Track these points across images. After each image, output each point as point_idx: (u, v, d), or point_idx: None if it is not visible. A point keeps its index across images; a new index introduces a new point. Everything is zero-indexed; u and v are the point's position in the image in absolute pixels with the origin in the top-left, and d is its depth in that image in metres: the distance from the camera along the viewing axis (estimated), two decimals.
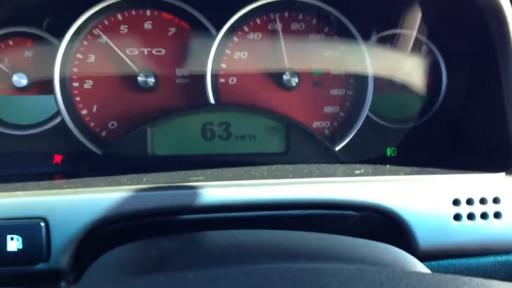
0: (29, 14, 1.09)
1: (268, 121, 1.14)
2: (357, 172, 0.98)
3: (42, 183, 0.93)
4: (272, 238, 0.73)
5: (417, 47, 1.18)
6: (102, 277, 0.67)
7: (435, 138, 1.16)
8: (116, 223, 0.83)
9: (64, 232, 0.82)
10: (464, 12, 1.00)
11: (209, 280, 0.43)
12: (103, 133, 1.14)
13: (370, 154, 1.17)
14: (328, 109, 1.18)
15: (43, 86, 1.11)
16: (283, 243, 0.72)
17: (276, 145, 1.14)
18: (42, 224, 0.81)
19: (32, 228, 0.81)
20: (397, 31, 1.16)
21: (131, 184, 0.88)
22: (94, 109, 1.13)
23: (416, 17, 1.15)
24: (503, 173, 0.92)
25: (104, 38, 1.12)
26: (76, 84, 1.12)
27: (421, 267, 0.70)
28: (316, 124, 1.18)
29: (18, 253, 0.81)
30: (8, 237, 0.80)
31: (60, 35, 1.10)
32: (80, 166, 1.10)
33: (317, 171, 1.00)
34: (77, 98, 1.13)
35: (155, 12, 1.14)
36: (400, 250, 0.74)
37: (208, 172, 0.99)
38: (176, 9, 1.13)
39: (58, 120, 1.11)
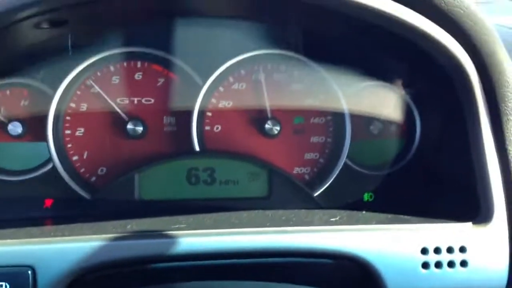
0: (26, 66, 1.16)
1: (251, 167, 1.20)
2: (333, 220, 1.02)
3: (32, 229, 0.97)
4: None
5: (392, 96, 1.24)
6: None
7: (410, 184, 1.21)
8: (99, 271, 0.88)
9: (50, 280, 0.86)
10: (433, 71, 1.06)
11: None
12: (93, 179, 1.19)
13: (347, 199, 1.22)
14: (308, 156, 1.24)
15: (37, 133, 1.16)
16: None
17: (259, 190, 1.20)
18: (29, 272, 0.85)
19: (19, 276, 0.85)
20: (373, 82, 1.23)
21: (116, 231, 0.93)
22: (85, 156, 1.19)
23: (391, 70, 1.21)
24: (470, 223, 0.97)
25: (97, 88, 1.18)
26: (68, 132, 1.18)
27: None
28: (296, 170, 1.24)
29: None
30: None
31: (55, 86, 1.16)
32: (70, 211, 1.15)
33: (294, 219, 1.04)
34: (69, 145, 1.18)
35: (146, 64, 1.21)
36: None
37: (191, 218, 1.04)
38: (165, 61, 1.20)
39: (49, 166, 1.16)
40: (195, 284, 0.83)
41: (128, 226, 0.98)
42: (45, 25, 0.97)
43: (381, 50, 1.16)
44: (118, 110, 1.18)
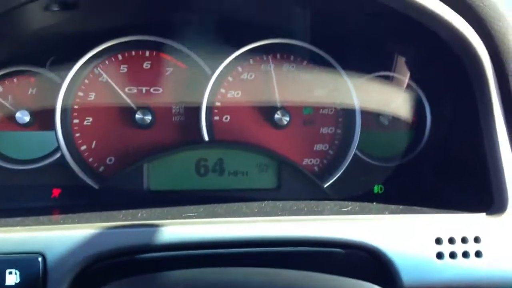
0: (33, 53, 1.15)
1: (260, 158, 1.19)
2: (344, 210, 1.01)
3: (41, 218, 0.96)
4: (262, 276, 0.77)
5: (402, 87, 1.23)
6: None
7: (421, 176, 1.20)
8: (111, 258, 0.86)
9: (60, 267, 0.84)
10: (444, 57, 1.05)
11: None
12: (101, 168, 1.18)
13: (357, 191, 1.21)
14: (318, 147, 1.23)
15: (45, 122, 1.15)
16: (272, 281, 0.76)
17: (268, 181, 1.19)
18: (40, 259, 0.84)
19: (30, 263, 0.84)
20: (383, 73, 1.22)
21: (126, 219, 0.92)
22: (93, 145, 1.18)
23: (401, 60, 1.21)
24: (484, 213, 0.96)
25: (105, 77, 1.17)
26: (76, 121, 1.17)
27: None
28: (306, 161, 1.23)
29: (15, 287, 0.84)
30: (7, 271, 0.84)
31: (62, 74, 1.15)
32: (78, 200, 1.14)
33: (305, 209, 1.03)
34: (77, 134, 1.17)
35: (154, 53, 1.20)
36: None
37: (201, 208, 1.03)
38: (173, 50, 1.19)
39: (57, 155, 1.15)
40: (204, 271, 0.81)
41: (139, 215, 0.97)
42: (55, 7, 0.96)
43: (393, 39, 1.15)
44: (127, 99, 1.17)
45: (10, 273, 0.84)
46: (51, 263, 0.84)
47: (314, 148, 1.23)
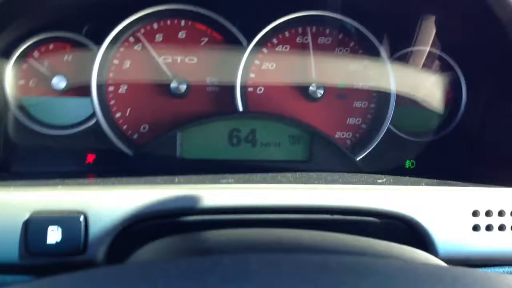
0: (69, 20, 1.15)
1: (293, 130, 1.19)
2: (379, 181, 1.01)
3: (80, 180, 0.98)
4: (310, 237, 0.77)
5: (438, 63, 1.22)
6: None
7: (453, 152, 1.20)
8: (151, 220, 0.88)
9: (101, 227, 0.86)
10: (486, 28, 1.03)
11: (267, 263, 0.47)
12: (135, 136, 1.19)
13: (389, 165, 1.20)
14: (350, 121, 1.23)
15: (80, 89, 1.16)
16: (321, 241, 0.76)
17: (300, 153, 1.19)
18: (81, 218, 0.85)
19: (71, 221, 0.85)
20: (419, 48, 1.21)
21: (165, 183, 0.93)
22: (127, 113, 1.18)
23: (437, 34, 1.19)
24: None
25: (140, 45, 1.18)
26: (111, 88, 1.18)
27: None
28: (338, 134, 1.23)
29: (56, 245, 0.85)
30: (49, 229, 0.85)
31: (98, 41, 1.16)
32: (112, 166, 1.15)
33: (340, 179, 1.03)
34: (112, 102, 1.18)
35: (189, 23, 1.20)
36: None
37: (237, 176, 1.03)
38: (209, 21, 1.19)
39: (93, 121, 1.16)
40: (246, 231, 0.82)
41: (176, 180, 0.98)
42: None
43: (432, 11, 1.13)
44: (162, 68, 1.17)
45: (53, 231, 0.85)
46: (93, 222, 0.86)
47: (347, 122, 1.23)
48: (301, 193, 0.91)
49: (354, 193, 0.93)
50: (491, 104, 1.13)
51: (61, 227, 0.85)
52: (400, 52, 1.21)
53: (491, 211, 0.93)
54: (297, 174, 1.08)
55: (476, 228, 0.92)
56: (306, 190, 0.92)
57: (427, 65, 1.22)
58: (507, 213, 0.93)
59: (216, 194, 0.89)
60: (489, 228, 0.92)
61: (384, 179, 1.03)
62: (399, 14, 1.17)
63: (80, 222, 0.85)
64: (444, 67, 1.22)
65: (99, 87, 1.16)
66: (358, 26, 1.20)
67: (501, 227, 0.92)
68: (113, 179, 0.99)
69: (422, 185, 0.98)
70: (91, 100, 1.16)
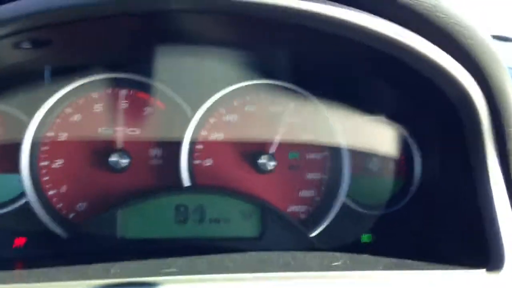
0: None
1: (243, 205, 1.12)
2: (335, 264, 0.95)
3: (1, 273, 0.87)
4: None
5: (392, 131, 1.19)
6: None
7: (411, 225, 1.15)
8: None
9: None
10: (437, 103, 1.01)
11: None
12: (71, 215, 1.09)
13: (345, 240, 1.14)
14: (304, 193, 1.17)
15: (9, 164, 1.07)
16: None
17: (251, 230, 1.11)
18: None
19: None
20: (372, 116, 1.18)
21: (97, 276, 0.83)
22: (63, 190, 1.09)
23: (390, 104, 1.17)
24: (484, 270, 0.90)
25: (78, 116, 1.10)
26: (45, 163, 1.09)
27: None
28: (291, 208, 1.17)
29: None
30: None
31: (31, 113, 1.07)
32: (44, 251, 1.04)
33: (293, 263, 0.96)
34: (45, 178, 1.08)
35: (131, 92, 1.13)
36: None
37: (181, 261, 0.95)
38: (152, 89, 1.13)
39: (22, 201, 1.06)
40: None
41: (111, 271, 0.88)
42: (26, 45, 0.88)
43: (382, 82, 1.11)
44: (103, 140, 1.09)
45: None
46: None
47: (300, 195, 1.17)
48: (251, 285, 0.83)
49: (308, 282, 0.85)
50: (445, 176, 1.09)
51: None
52: (353, 120, 1.17)
53: None
54: (248, 256, 1.00)
55: None
56: (255, 281, 0.84)
57: (379, 134, 1.18)
58: None
59: None
60: None
61: (340, 262, 0.97)
62: (350, 83, 1.14)
63: None
64: (398, 136, 1.19)
65: (30, 162, 1.07)
66: (308, 94, 1.16)
67: None
68: (40, 270, 0.88)
69: (379, 268, 0.92)
70: (21, 177, 1.06)
